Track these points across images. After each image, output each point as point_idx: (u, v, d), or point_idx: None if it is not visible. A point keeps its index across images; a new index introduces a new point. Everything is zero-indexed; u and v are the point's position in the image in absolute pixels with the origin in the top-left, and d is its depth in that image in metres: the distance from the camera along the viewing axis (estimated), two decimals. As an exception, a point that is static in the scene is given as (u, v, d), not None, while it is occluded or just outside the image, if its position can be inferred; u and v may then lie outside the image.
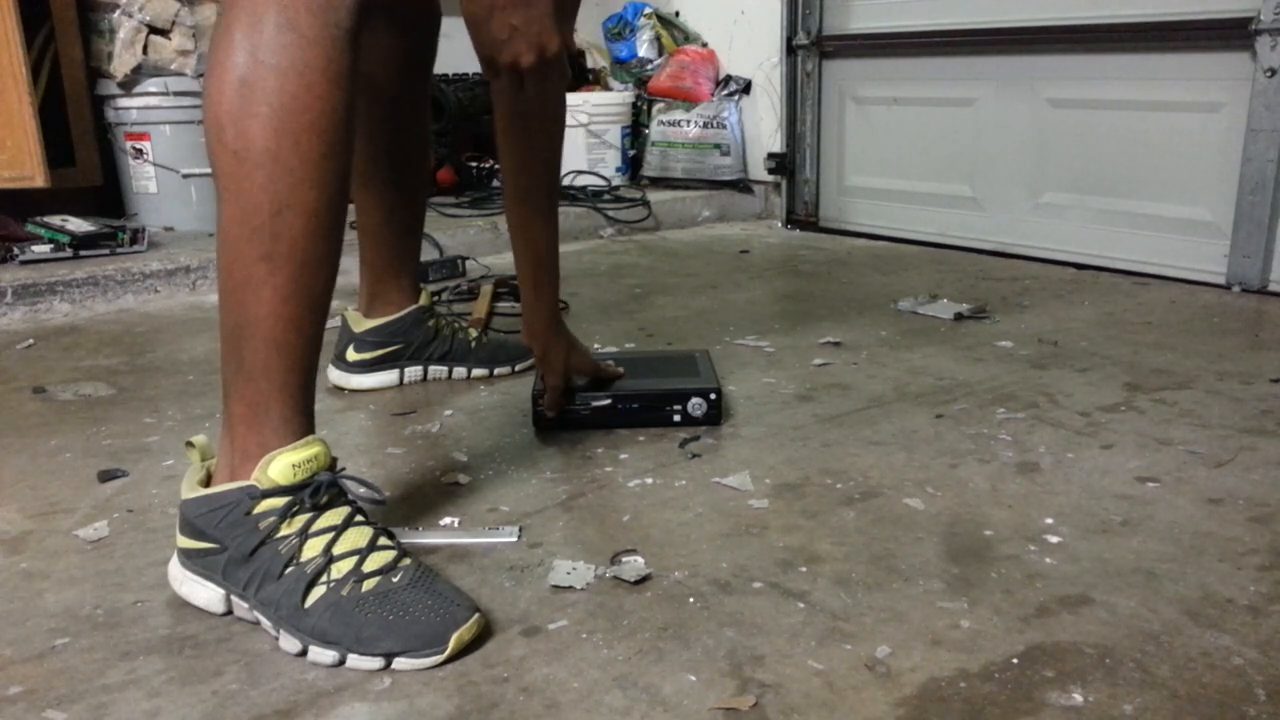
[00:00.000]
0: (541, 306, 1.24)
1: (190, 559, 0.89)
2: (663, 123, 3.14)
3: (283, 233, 0.83)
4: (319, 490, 0.86)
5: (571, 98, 3.08)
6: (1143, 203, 2.19)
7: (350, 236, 1.57)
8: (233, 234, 0.84)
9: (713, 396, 1.30)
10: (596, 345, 1.70)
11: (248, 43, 0.81)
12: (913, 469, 1.17)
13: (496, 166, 3.03)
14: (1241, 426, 1.28)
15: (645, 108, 3.24)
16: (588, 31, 3.52)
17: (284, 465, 0.85)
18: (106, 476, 1.20)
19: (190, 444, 0.92)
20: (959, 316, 1.85)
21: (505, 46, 0.95)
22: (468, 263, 2.35)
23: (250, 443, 0.86)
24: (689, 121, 3.10)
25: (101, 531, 1.05)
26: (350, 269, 1.66)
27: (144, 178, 2.51)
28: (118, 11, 2.38)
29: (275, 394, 0.86)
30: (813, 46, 2.81)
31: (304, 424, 0.89)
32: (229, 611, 0.88)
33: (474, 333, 1.57)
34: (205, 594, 0.88)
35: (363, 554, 0.85)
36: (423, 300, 1.49)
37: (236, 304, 0.85)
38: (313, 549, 0.84)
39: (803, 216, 2.96)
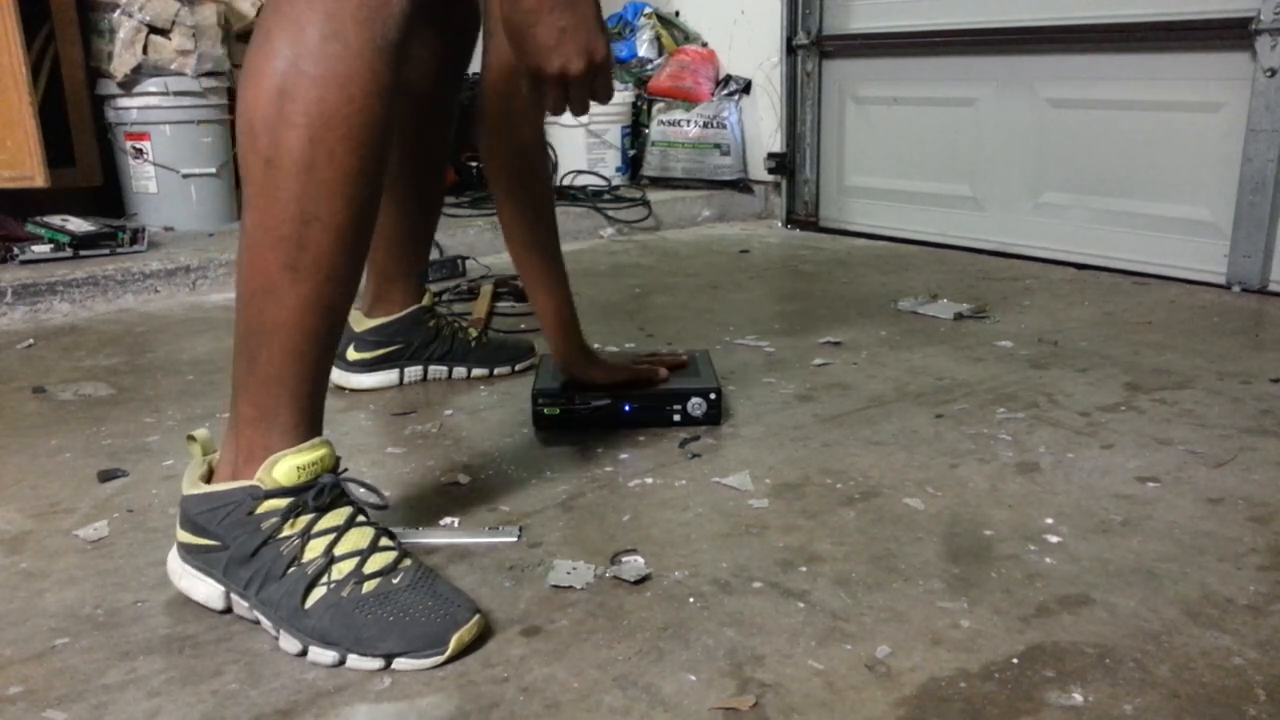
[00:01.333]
0: (567, 342, 1.29)
1: (190, 554, 0.89)
2: (663, 122, 3.14)
3: (309, 244, 0.82)
4: (322, 492, 0.86)
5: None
6: (1143, 203, 2.19)
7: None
8: (258, 240, 0.83)
9: (713, 396, 1.30)
10: (596, 345, 1.70)
11: (289, 50, 0.79)
12: (913, 469, 1.17)
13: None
14: (1241, 426, 1.28)
15: (645, 108, 3.24)
16: (588, 31, 3.51)
17: (289, 467, 0.85)
18: (106, 476, 1.20)
19: (191, 438, 0.91)
20: (959, 316, 1.85)
21: (554, 53, 0.90)
22: (468, 263, 2.35)
23: (256, 445, 0.86)
24: (689, 121, 3.10)
25: (101, 531, 1.05)
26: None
27: (144, 177, 2.51)
28: (118, 11, 2.38)
29: (286, 400, 0.86)
30: (813, 46, 2.81)
31: (311, 429, 0.89)
32: (228, 608, 0.88)
33: (474, 333, 1.57)
34: (204, 589, 0.88)
35: (364, 555, 0.85)
36: (424, 301, 1.49)
37: (256, 309, 0.84)
38: (314, 550, 0.84)
39: (803, 216, 2.96)
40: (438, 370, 1.53)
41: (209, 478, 0.90)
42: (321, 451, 0.87)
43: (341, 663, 0.81)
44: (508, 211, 1.21)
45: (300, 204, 0.81)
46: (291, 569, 0.84)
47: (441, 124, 1.43)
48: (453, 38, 1.38)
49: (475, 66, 1.26)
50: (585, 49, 0.91)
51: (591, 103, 0.97)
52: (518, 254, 1.24)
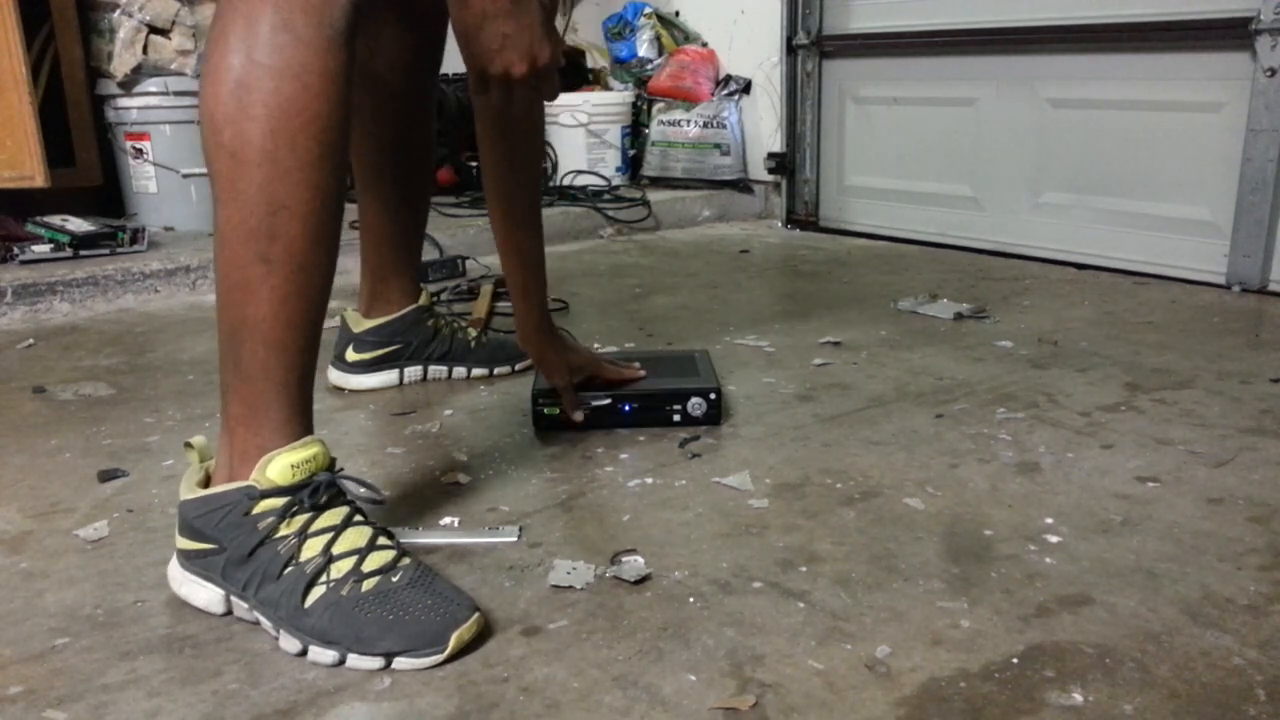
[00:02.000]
0: (531, 312, 1.24)
1: (189, 560, 0.89)
2: (663, 122, 3.14)
3: (279, 233, 0.83)
4: (318, 490, 0.86)
5: (571, 97, 3.09)
6: (1143, 203, 2.19)
7: (351, 236, 1.57)
8: (229, 235, 0.84)
9: (712, 396, 1.30)
10: (596, 345, 1.70)
11: (243, 44, 0.82)
12: (913, 469, 1.17)
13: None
14: (1241, 426, 1.28)
15: (645, 107, 3.24)
16: (588, 31, 3.52)
17: (282, 466, 0.85)
18: (106, 476, 1.20)
19: (189, 445, 0.92)
20: (959, 316, 1.85)
21: (497, 57, 0.94)
22: (468, 263, 2.35)
23: (249, 444, 0.86)
24: (689, 121, 3.10)
25: (101, 531, 1.05)
26: (351, 269, 1.66)
27: (144, 177, 2.51)
28: (118, 11, 2.38)
29: (274, 395, 0.86)
30: (813, 46, 2.81)
31: (302, 424, 0.89)
32: (229, 612, 0.88)
33: (473, 333, 1.57)
34: (205, 595, 0.88)
35: (362, 554, 0.85)
36: (422, 300, 1.49)
37: (234, 305, 0.85)
38: (312, 549, 0.84)
39: (803, 216, 2.96)
40: (437, 370, 1.53)
41: (206, 484, 0.90)
42: (314, 449, 0.87)
43: (342, 662, 0.81)
44: (487, 146, 1.16)
45: (267, 194, 0.83)
46: (289, 568, 0.84)
47: (420, 118, 1.42)
48: (421, 28, 1.38)
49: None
50: (528, 55, 0.94)
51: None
52: (491, 197, 1.19)
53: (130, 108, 2.46)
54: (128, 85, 2.44)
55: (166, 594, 0.92)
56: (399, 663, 0.81)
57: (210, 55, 0.84)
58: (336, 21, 0.84)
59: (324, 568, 0.84)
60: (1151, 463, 1.18)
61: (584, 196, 2.91)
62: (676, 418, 1.31)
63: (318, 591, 0.83)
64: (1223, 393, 1.41)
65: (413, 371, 1.51)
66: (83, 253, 2.16)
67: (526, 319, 1.25)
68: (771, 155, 2.99)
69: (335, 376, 1.49)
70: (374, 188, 1.41)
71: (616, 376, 1.33)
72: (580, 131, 3.10)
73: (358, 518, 0.88)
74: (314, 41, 0.82)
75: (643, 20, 3.30)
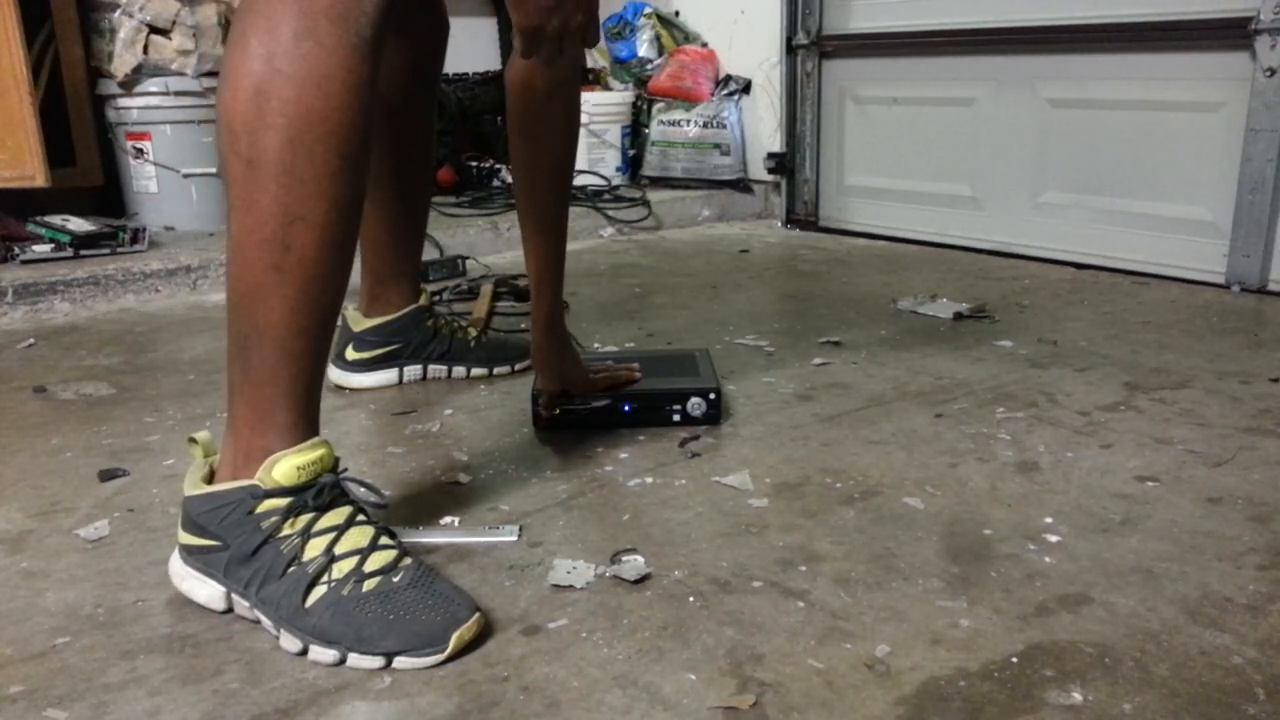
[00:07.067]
0: (540, 305, 1.24)
1: (192, 555, 0.89)
2: (663, 122, 3.14)
3: (294, 244, 0.82)
4: (322, 491, 0.86)
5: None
6: (1143, 203, 2.19)
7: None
8: (243, 242, 0.83)
9: (712, 396, 1.31)
10: (596, 345, 1.70)
11: (264, 50, 0.79)
12: (912, 468, 1.18)
13: (497, 166, 3.04)
14: (1241, 426, 1.29)
15: (645, 107, 3.24)
16: (588, 31, 3.51)
17: (289, 467, 0.85)
18: (107, 476, 1.20)
19: (193, 440, 0.92)
20: (959, 316, 1.85)
21: (554, 14, 0.93)
22: (468, 262, 2.35)
23: (254, 445, 0.86)
24: (689, 121, 3.10)
25: (102, 531, 1.05)
26: (353, 267, 1.66)
27: (144, 177, 2.51)
28: (118, 11, 2.38)
29: (281, 400, 0.86)
30: (812, 46, 2.81)
31: (308, 428, 0.89)
32: (229, 609, 0.88)
33: (473, 332, 1.57)
34: (206, 591, 0.88)
35: (364, 554, 0.85)
36: (422, 300, 1.49)
37: (245, 311, 0.85)
38: (314, 549, 0.85)
39: (802, 216, 2.96)
40: (437, 369, 1.53)
41: (210, 479, 0.90)
42: (321, 451, 0.87)
43: (342, 661, 0.81)
44: (517, 151, 1.18)
45: (283, 205, 0.81)
46: (292, 568, 0.84)
47: (419, 130, 1.42)
48: (420, 43, 1.38)
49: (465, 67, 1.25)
50: (581, 3, 0.94)
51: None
52: (520, 200, 1.21)
53: (131, 108, 2.46)
54: (128, 85, 2.44)
55: (167, 593, 0.92)
56: (399, 662, 0.81)
57: (229, 57, 0.82)
58: (363, 30, 0.82)
59: (326, 567, 0.84)
60: (1151, 462, 1.18)
61: (584, 196, 2.91)
62: (676, 417, 1.31)
63: (319, 591, 0.83)
64: (1222, 392, 1.41)
65: (412, 370, 1.51)
66: (83, 252, 2.16)
67: (535, 309, 1.25)
68: (771, 155, 2.99)
69: (335, 375, 1.49)
70: (373, 195, 1.41)
71: (609, 384, 1.32)
72: (580, 131, 3.09)
73: (360, 517, 0.88)
74: (338, 50, 0.80)
75: (643, 20, 3.30)
